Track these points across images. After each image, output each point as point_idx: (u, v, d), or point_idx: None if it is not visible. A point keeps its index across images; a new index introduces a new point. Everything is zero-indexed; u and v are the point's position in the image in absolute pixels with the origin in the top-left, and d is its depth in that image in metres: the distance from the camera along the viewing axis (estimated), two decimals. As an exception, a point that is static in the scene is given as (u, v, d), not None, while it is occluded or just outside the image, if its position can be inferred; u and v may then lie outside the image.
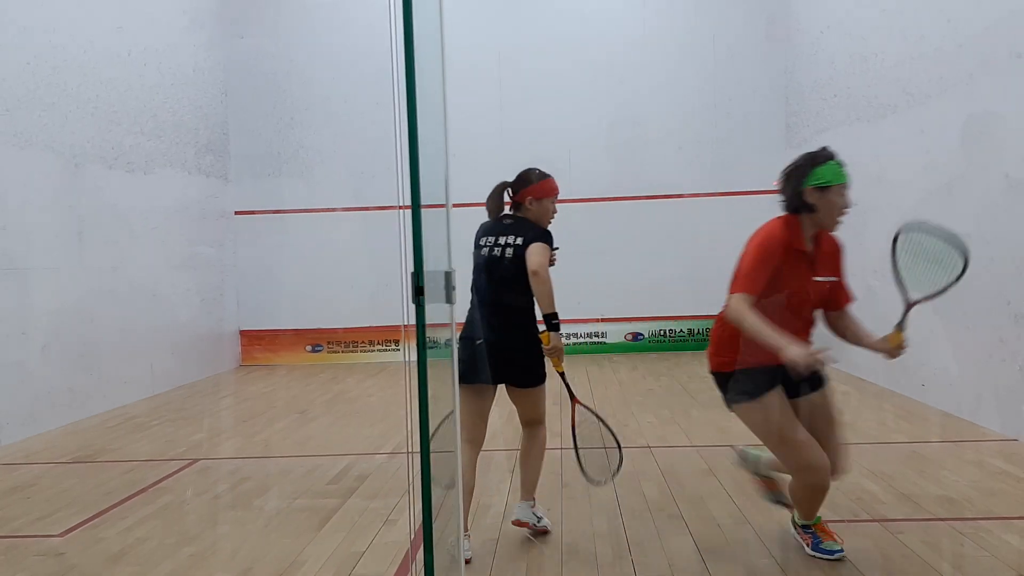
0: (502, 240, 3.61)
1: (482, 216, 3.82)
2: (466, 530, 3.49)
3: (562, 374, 3.68)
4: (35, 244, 6.65)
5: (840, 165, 3.10)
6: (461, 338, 3.56)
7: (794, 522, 3.47)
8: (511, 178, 3.85)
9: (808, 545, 3.37)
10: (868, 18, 7.44)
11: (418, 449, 2.36)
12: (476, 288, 3.64)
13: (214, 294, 9.86)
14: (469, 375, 3.49)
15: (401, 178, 2.17)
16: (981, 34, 5.58)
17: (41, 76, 6.82)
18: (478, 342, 3.59)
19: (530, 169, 3.80)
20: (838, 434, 3.27)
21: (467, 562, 3.41)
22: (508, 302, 3.57)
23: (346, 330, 10.33)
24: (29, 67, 6.67)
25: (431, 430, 2.31)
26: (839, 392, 7.08)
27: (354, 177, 10.13)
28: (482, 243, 3.68)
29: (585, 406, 3.78)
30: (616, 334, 10.21)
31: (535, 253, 3.48)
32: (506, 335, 3.57)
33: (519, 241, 3.57)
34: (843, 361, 8.22)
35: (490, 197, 3.77)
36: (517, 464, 3.97)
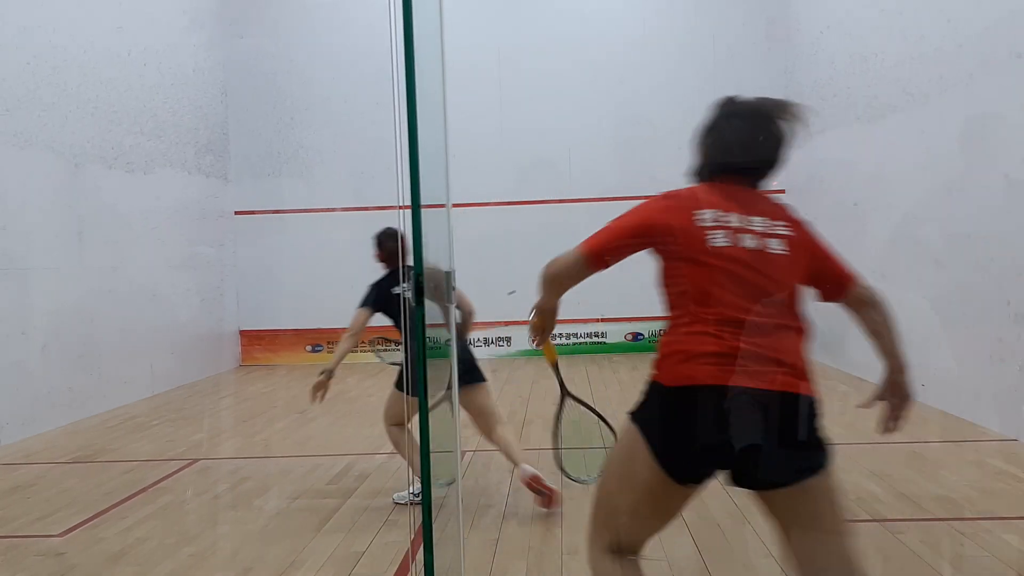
0: None
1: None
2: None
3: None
4: (35, 244, 6.65)
5: None
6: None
7: None
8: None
9: None
10: (868, 18, 7.44)
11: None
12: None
13: (214, 294, 9.86)
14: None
15: (401, 178, 2.17)
16: (981, 34, 5.58)
17: (41, 76, 6.82)
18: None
19: (393, 229, 4.46)
20: None
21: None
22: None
23: (346, 330, 10.33)
24: (29, 67, 6.67)
25: (430, 405, 2.45)
26: (838, 392, 7.11)
27: (354, 177, 10.13)
28: (400, 289, 4.29)
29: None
30: (616, 334, 10.21)
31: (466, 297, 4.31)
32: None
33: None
34: (844, 362, 8.23)
35: (389, 250, 4.41)
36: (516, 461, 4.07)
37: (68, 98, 7.16)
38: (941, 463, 4.73)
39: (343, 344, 4.43)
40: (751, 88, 9.26)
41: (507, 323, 10.19)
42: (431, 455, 2.39)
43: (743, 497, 4.16)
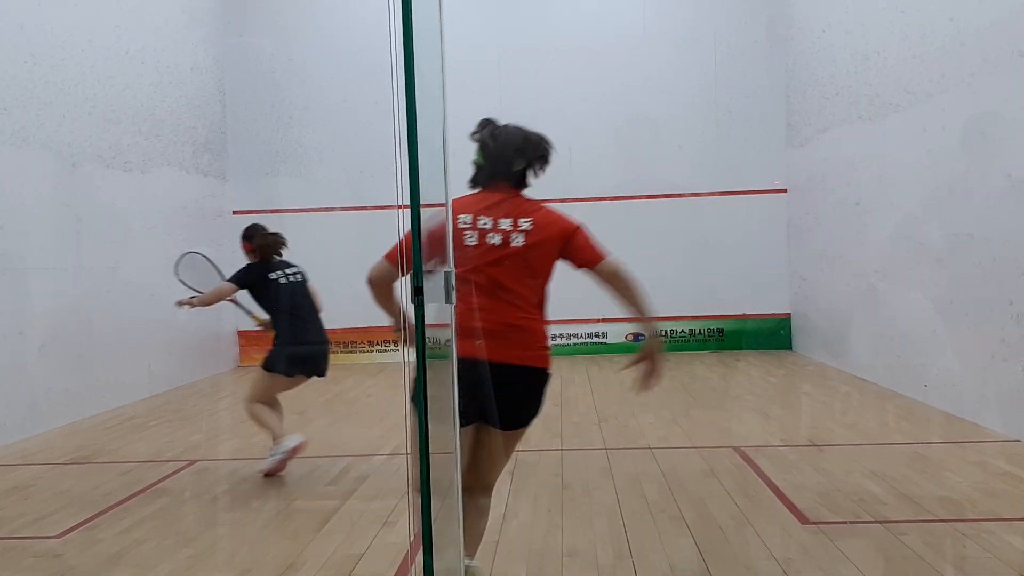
0: (290, 271, 5.14)
1: None
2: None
3: None
4: (32, 244, 6.62)
5: None
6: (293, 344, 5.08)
7: None
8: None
9: None
10: (869, 16, 7.42)
11: (417, 450, 2.34)
12: (292, 305, 5.08)
13: (213, 294, 9.83)
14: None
15: (400, 177, 2.15)
16: (983, 32, 5.56)
17: (39, 74, 6.79)
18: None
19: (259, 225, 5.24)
20: None
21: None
22: (314, 309, 5.29)
23: (345, 330, 10.29)
24: (27, 65, 6.65)
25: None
26: (840, 393, 7.10)
27: (353, 176, 10.10)
28: (276, 275, 5.04)
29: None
30: (617, 334, 10.19)
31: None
32: (321, 332, 5.38)
33: (302, 269, 5.25)
34: (846, 363, 8.21)
35: (270, 246, 5.05)
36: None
37: (66, 97, 7.14)
38: (944, 464, 4.71)
39: (206, 300, 5.25)
40: (752, 87, 9.34)
41: (507, 323, 10.16)
42: (431, 456, 2.36)
43: (744, 499, 4.15)
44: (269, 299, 5.01)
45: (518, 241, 2.64)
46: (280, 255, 5.14)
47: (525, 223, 2.67)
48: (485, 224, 2.65)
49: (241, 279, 5.04)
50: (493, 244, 2.62)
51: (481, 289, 2.58)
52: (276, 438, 4.90)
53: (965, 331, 5.80)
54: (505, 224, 2.66)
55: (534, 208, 2.77)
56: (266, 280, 5.00)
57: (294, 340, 5.07)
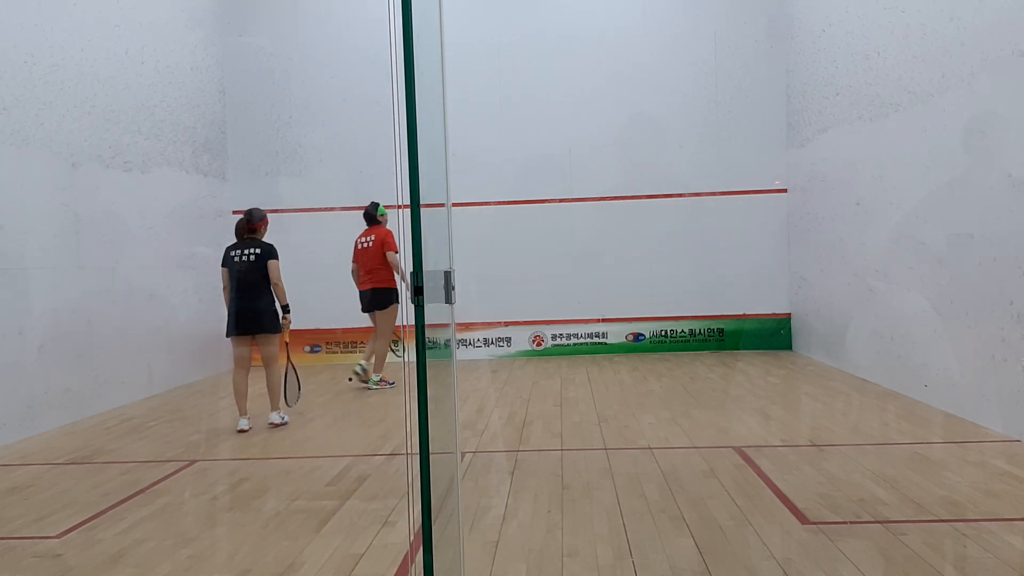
0: (247, 249, 6.34)
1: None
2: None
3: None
4: (32, 244, 6.62)
5: None
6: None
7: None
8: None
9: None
10: (870, 16, 7.41)
11: (417, 450, 2.34)
12: (238, 277, 6.31)
13: (212, 294, 9.81)
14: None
15: (400, 177, 2.15)
16: (984, 32, 5.56)
17: (39, 74, 6.79)
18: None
19: (256, 208, 6.64)
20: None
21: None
22: (261, 279, 6.34)
23: (345, 330, 10.30)
24: (26, 65, 6.64)
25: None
26: (840, 392, 7.08)
27: (353, 176, 10.10)
28: (233, 253, 6.35)
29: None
30: (617, 334, 10.18)
31: (277, 268, 6.39)
32: (254, 298, 6.36)
33: (259, 249, 6.34)
34: (846, 363, 8.21)
35: (238, 227, 6.49)
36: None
37: (65, 96, 7.13)
38: (944, 464, 4.71)
39: (227, 298, 6.41)
40: (753, 87, 9.34)
41: (507, 323, 10.16)
42: (431, 456, 2.37)
43: (744, 499, 4.15)
44: (231, 268, 6.31)
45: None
46: (245, 235, 6.40)
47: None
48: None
49: (222, 261, 6.38)
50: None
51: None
52: (240, 411, 6.40)
53: (965, 331, 5.80)
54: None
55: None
56: (229, 258, 6.33)
57: (233, 307, 6.28)
